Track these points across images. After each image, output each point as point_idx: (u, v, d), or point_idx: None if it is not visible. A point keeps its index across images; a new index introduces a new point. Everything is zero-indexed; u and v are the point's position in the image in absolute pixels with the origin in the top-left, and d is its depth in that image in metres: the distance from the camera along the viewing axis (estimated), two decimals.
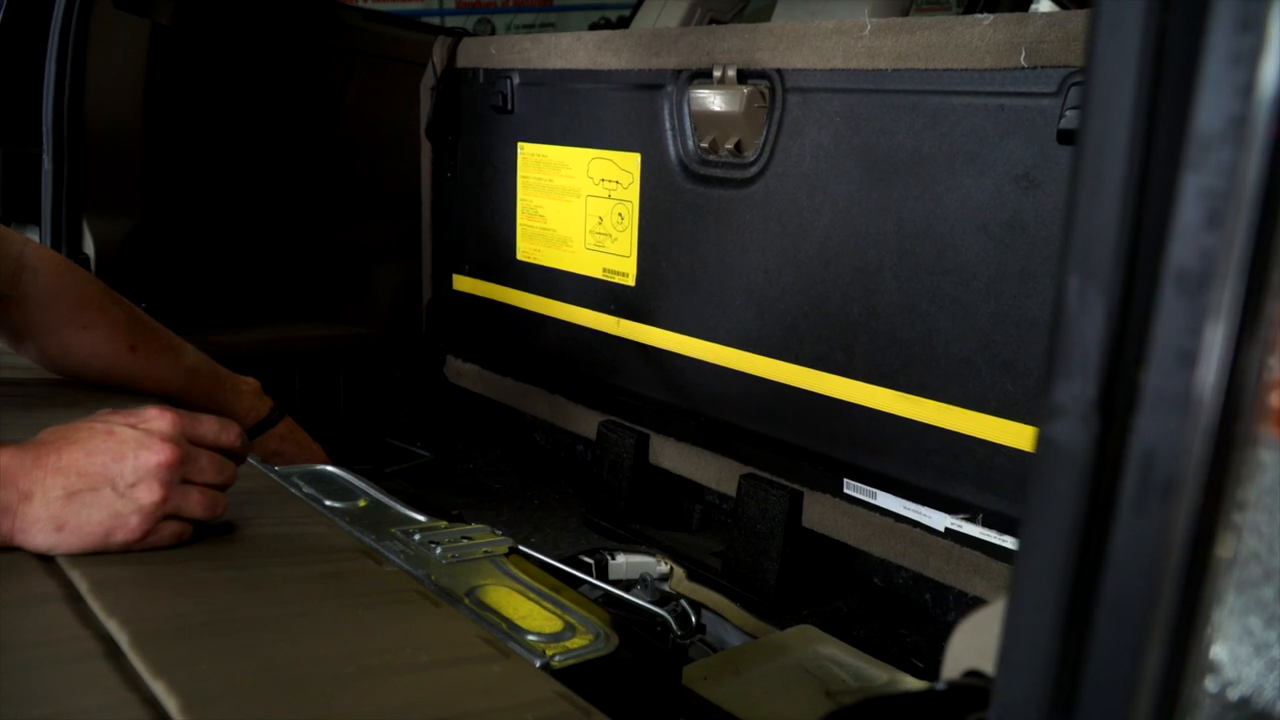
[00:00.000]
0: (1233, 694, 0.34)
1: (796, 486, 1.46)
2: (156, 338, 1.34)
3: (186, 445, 0.90)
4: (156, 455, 0.87)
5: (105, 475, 0.85)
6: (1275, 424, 0.32)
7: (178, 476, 0.88)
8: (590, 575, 1.53)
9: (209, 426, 0.95)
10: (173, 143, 1.84)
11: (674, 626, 1.37)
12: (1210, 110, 0.33)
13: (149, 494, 0.86)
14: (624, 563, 1.55)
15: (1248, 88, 0.32)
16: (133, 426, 0.89)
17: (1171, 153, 0.35)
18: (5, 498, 0.83)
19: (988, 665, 0.51)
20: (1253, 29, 0.32)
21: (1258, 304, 0.32)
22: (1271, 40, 0.31)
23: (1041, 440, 0.43)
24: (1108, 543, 0.37)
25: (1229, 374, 0.32)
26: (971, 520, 1.24)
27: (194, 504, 0.90)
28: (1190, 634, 0.34)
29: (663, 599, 1.47)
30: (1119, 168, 0.39)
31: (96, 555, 0.85)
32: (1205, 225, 0.33)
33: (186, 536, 0.91)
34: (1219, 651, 0.34)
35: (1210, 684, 0.34)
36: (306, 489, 1.33)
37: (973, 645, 0.55)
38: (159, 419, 0.90)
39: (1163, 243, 0.34)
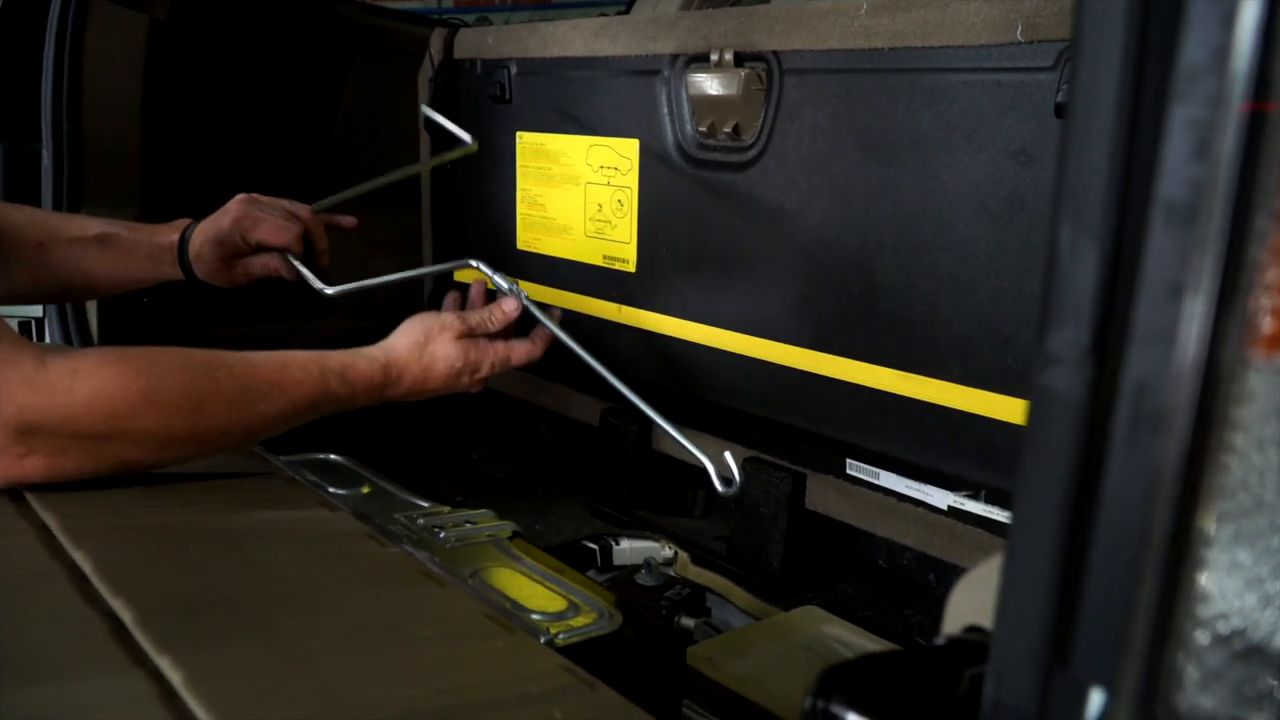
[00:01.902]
0: (1224, 627, 0.35)
1: (799, 469, 1.46)
2: (60, 228, 1.36)
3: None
4: (476, 387, 1.28)
5: (447, 390, 1.25)
6: (1264, 350, 0.32)
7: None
8: (595, 561, 1.53)
9: (519, 354, 1.30)
10: (171, 137, 1.84)
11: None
12: (1196, 42, 0.33)
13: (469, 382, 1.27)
14: (628, 548, 1.55)
15: (1230, 18, 0.32)
16: (471, 375, 1.25)
17: (1159, 89, 0.35)
18: (392, 395, 1.19)
19: (986, 620, 0.51)
20: None
21: (1244, 232, 0.32)
22: None
23: (1036, 390, 0.43)
24: (1101, 481, 0.37)
25: (1217, 303, 0.32)
26: (974, 497, 1.24)
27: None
28: (1182, 567, 0.34)
29: (667, 583, 1.47)
30: (1109, 111, 0.39)
31: (99, 537, 0.86)
32: (1193, 156, 0.33)
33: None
34: (1211, 584, 0.34)
35: (1203, 616, 0.34)
36: (311, 476, 1.33)
37: (972, 601, 0.55)
38: (486, 367, 1.27)
39: (1152, 177, 0.35)
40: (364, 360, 1.15)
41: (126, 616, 0.74)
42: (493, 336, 1.28)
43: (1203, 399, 0.33)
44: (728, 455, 1.22)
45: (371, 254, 2.23)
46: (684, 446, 1.24)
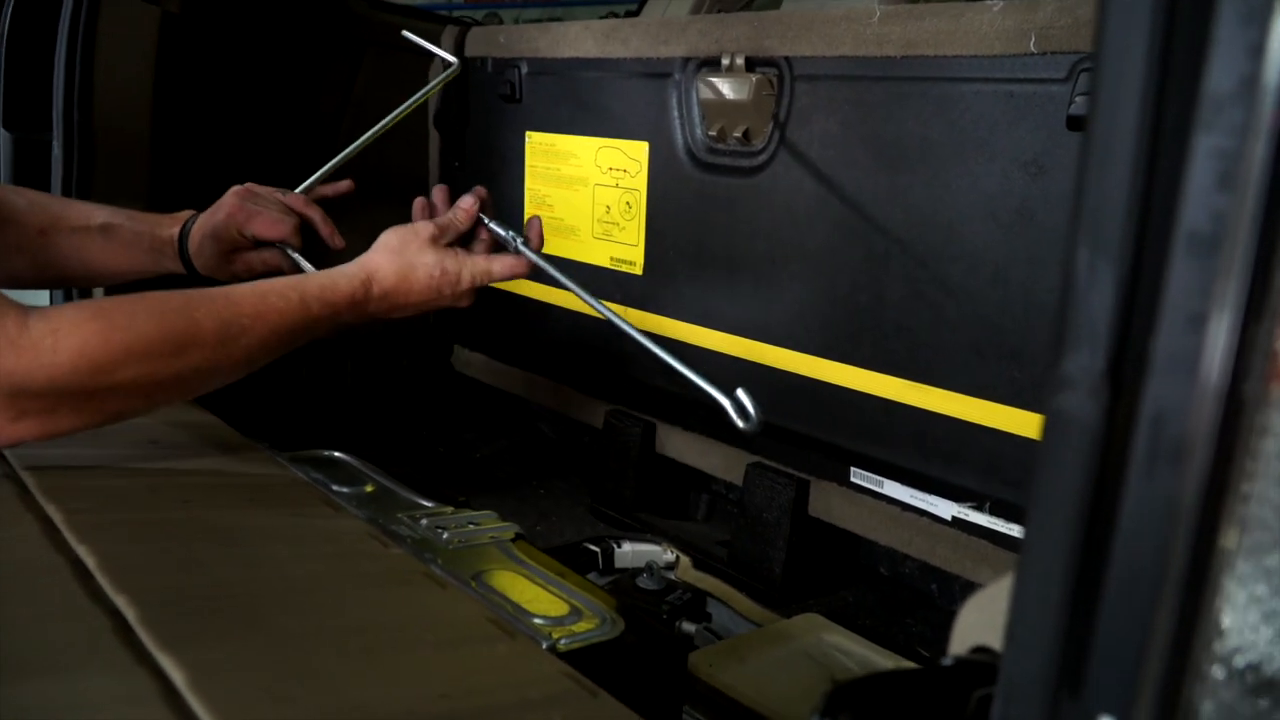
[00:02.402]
0: (1240, 661, 0.34)
1: (803, 475, 1.46)
2: (63, 216, 1.36)
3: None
4: (463, 300, 1.26)
5: (432, 304, 1.24)
6: None
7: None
8: (596, 564, 1.53)
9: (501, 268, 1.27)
10: (181, 129, 1.84)
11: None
12: (1222, 70, 0.33)
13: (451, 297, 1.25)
14: (630, 551, 1.55)
15: (1259, 47, 0.32)
16: (454, 286, 1.23)
17: (1183, 115, 0.35)
18: (377, 311, 1.18)
19: (995, 641, 0.51)
20: None
21: (1268, 264, 0.32)
22: None
23: (1049, 414, 0.42)
24: (1117, 510, 0.37)
25: (1239, 335, 0.32)
26: (979, 509, 1.24)
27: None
28: (1200, 600, 0.34)
29: (669, 587, 1.47)
30: (1130, 132, 0.39)
31: (103, 532, 0.86)
32: (1217, 186, 0.33)
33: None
34: (1228, 618, 0.34)
35: (1218, 651, 0.34)
36: (314, 474, 1.33)
37: (980, 622, 0.55)
38: (468, 280, 1.24)
39: (1174, 205, 0.34)
40: (343, 278, 1.15)
41: (129, 614, 0.74)
42: (473, 250, 1.28)
43: (1223, 432, 0.32)
44: (741, 393, 1.17)
45: None
46: (694, 382, 1.19)
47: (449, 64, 1.58)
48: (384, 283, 1.18)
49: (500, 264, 1.26)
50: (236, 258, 1.41)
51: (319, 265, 1.33)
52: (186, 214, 1.42)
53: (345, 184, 1.52)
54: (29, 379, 0.87)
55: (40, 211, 1.33)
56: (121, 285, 1.48)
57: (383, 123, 1.54)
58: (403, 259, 1.19)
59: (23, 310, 0.89)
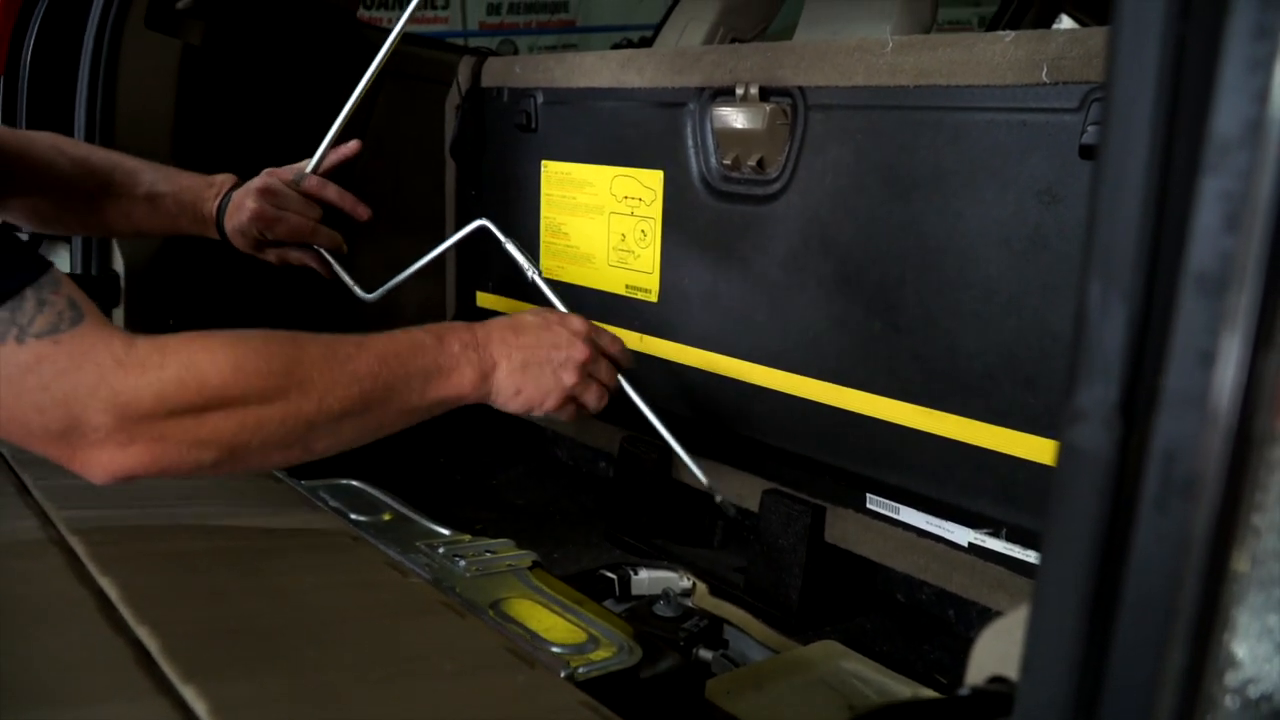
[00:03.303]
0: (1254, 691, 0.35)
1: (819, 502, 1.46)
2: (109, 182, 1.40)
3: (595, 348, 1.18)
4: (579, 352, 1.16)
5: (547, 358, 1.14)
6: None
7: (586, 371, 1.17)
8: (613, 590, 1.53)
9: (606, 338, 1.23)
10: (202, 160, 1.86)
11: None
12: (1228, 115, 0.34)
13: (569, 378, 1.15)
14: (646, 578, 1.55)
15: (1264, 93, 0.32)
16: (562, 324, 1.17)
17: (1190, 157, 0.36)
18: (484, 362, 1.09)
19: (1012, 671, 0.51)
20: (1269, 36, 0.33)
21: (1275, 304, 0.32)
22: None
23: (1064, 445, 0.43)
24: (1129, 543, 0.37)
25: (1248, 373, 0.32)
26: (995, 535, 1.24)
27: (591, 395, 1.19)
28: (1212, 632, 0.34)
29: (685, 614, 1.47)
30: (1139, 174, 0.40)
31: (125, 564, 0.87)
32: (1224, 228, 0.33)
33: (575, 418, 1.22)
34: (1240, 650, 0.35)
35: (1231, 682, 0.35)
36: (333, 503, 1.34)
37: (997, 651, 0.55)
38: (578, 324, 1.19)
39: (1182, 246, 0.35)
40: (453, 324, 1.14)
41: (152, 645, 0.74)
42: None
43: (1233, 467, 0.33)
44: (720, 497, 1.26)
45: (393, 276, 2.25)
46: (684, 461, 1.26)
47: None
48: (490, 325, 1.15)
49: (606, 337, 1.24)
50: (268, 250, 1.45)
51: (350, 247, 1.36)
52: (226, 183, 1.47)
53: (353, 145, 1.53)
54: (137, 396, 0.83)
55: (87, 177, 1.38)
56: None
57: (380, 57, 1.53)
58: (513, 318, 1.19)
59: (127, 333, 0.87)
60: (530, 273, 1.34)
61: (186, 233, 1.47)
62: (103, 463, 0.83)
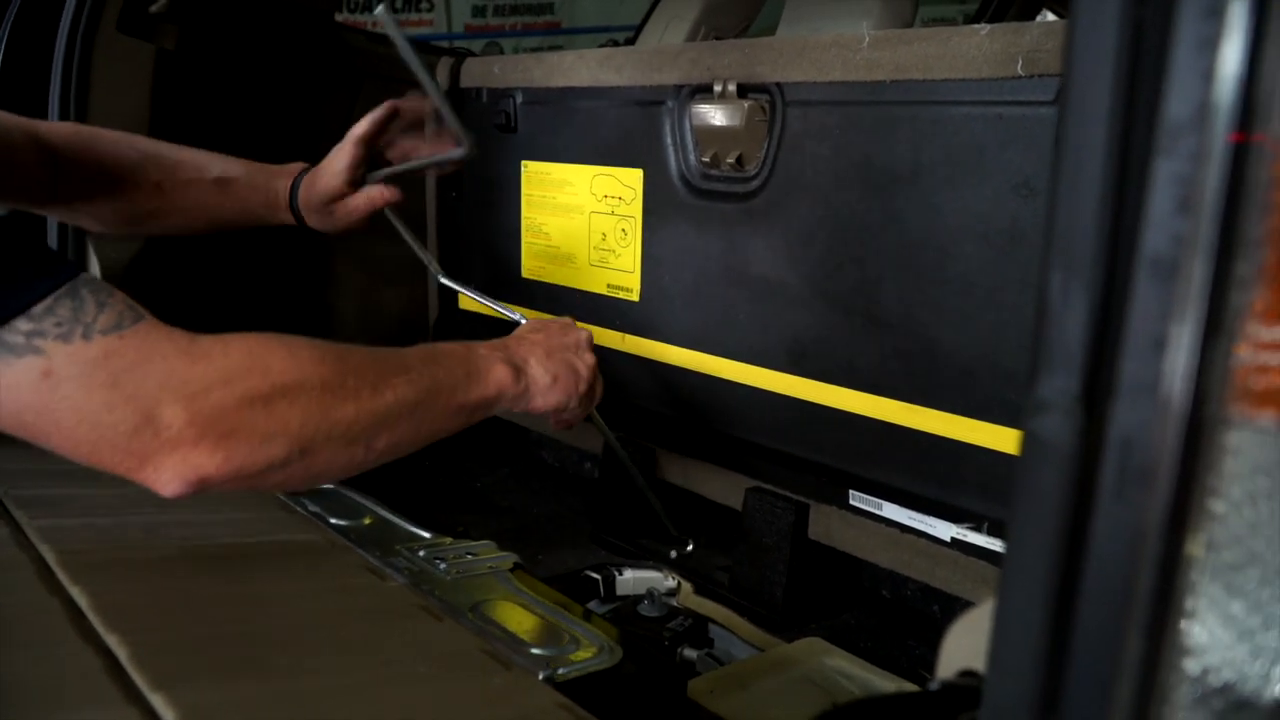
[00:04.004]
0: (1215, 679, 0.34)
1: (802, 499, 1.46)
2: (178, 168, 1.41)
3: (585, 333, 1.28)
4: (581, 335, 1.26)
5: (563, 344, 1.22)
6: (1249, 405, 0.32)
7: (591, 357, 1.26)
8: (598, 591, 1.53)
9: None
10: None
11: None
12: (1180, 97, 0.33)
13: (589, 358, 1.24)
14: (631, 578, 1.54)
15: (1211, 73, 0.32)
16: (551, 320, 1.27)
17: (1145, 141, 0.35)
18: (513, 358, 1.14)
19: (980, 664, 0.51)
20: (1217, 15, 0.32)
21: (1225, 287, 0.32)
22: (1233, 25, 0.31)
23: (1026, 436, 0.43)
24: (1088, 533, 0.37)
25: (1199, 358, 0.32)
26: (977, 529, 1.24)
27: (598, 384, 1.27)
28: (1167, 620, 0.34)
29: (670, 614, 1.47)
30: (1097, 161, 0.39)
31: (96, 573, 0.86)
32: (1176, 211, 0.33)
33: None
34: (1200, 636, 0.34)
35: (1191, 668, 0.34)
36: (312, 507, 1.33)
37: (966, 645, 0.55)
38: (562, 318, 1.30)
39: (1137, 231, 0.35)
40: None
41: (121, 653, 0.74)
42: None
43: (1185, 455, 0.32)
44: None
45: (375, 283, 2.24)
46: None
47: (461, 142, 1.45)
48: (518, 333, 1.23)
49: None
50: (338, 205, 1.45)
51: None
52: (297, 168, 1.48)
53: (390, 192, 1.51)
54: (206, 385, 0.81)
55: (154, 166, 1.38)
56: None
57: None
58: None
59: (188, 332, 0.86)
60: (433, 268, 1.38)
61: (257, 218, 1.47)
62: (175, 466, 0.80)
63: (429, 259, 1.43)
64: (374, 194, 1.45)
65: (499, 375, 1.10)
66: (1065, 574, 0.40)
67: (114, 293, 0.83)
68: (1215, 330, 0.32)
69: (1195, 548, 0.33)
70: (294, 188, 1.45)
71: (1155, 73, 0.36)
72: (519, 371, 1.13)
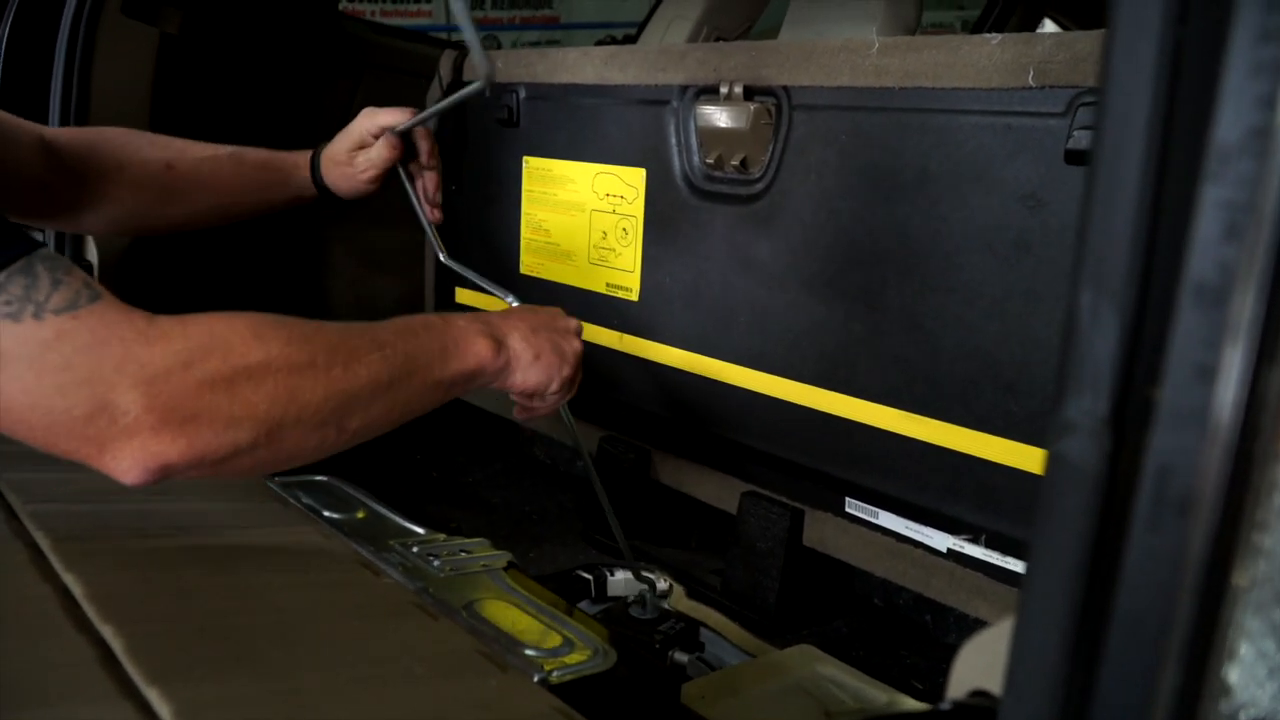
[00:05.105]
0: (1245, 717, 0.34)
1: (798, 505, 1.45)
2: (189, 147, 1.39)
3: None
4: (571, 321, 1.20)
5: (551, 325, 1.16)
6: None
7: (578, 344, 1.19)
8: (589, 591, 1.52)
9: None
10: None
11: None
12: (1230, 122, 0.32)
13: (575, 343, 1.18)
14: (623, 579, 1.54)
15: (1269, 99, 0.31)
16: (541, 307, 1.20)
17: (1189, 165, 0.35)
18: (494, 330, 1.08)
19: (993, 685, 0.50)
20: (1274, 40, 0.31)
21: (1277, 317, 0.31)
22: None
23: (1051, 457, 0.42)
24: (1120, 561, 0.36)
25: (1249, 389, 0.31)
26: (974, 541, 1.23)
27: (562, 391, 1.18)
28: (1206, 656, 0.33)
29: (661, 616, 1.46)
30: (1134, 181, 0.39)
31: (92, 561, 0.85)
32: (1225, 237, 0.32)
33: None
34: (1234, 674, 0.34)
35: (1224, 708, 0.34)
36: (306, 499, 1.32)
37: (979, 665, 0.54)
38: (574, 320, 1.22)
39: (1180, 255, 0.34)
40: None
41: (116, 645, 0.73)
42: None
43: (1233, 486, 0.32)
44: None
45: (371, 273, 2.23)
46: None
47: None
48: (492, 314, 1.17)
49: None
50: (359, 154, 1.44)
51: None
52: (309, 151, 1.48)
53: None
54: (165, 368, 0.78)
55: (164, 148, 1.36)
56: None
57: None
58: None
59: (146, 312, 0.82)
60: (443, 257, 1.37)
61: (272, 195, 1.45)
62: (134, 454, 0.77)
63: (433, 232, 1.41)
64: (395, 141, 1.44)
65: (479, 349, 1.05)
66: (1091, 599, 0.39)
67: (72, 269, 0.79)
68: (1267, 359, 0.31)
69: (1240, 581, 0.32)
70: (315, 154, 1.45)
71: (1199, 95, 0.35)
72: (500, 344, 1.08)
